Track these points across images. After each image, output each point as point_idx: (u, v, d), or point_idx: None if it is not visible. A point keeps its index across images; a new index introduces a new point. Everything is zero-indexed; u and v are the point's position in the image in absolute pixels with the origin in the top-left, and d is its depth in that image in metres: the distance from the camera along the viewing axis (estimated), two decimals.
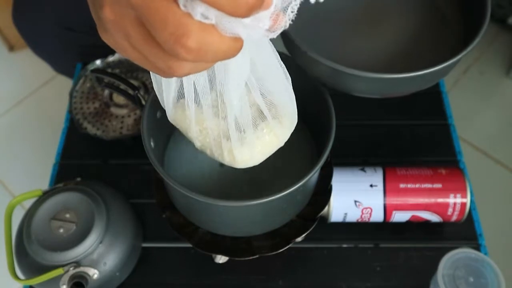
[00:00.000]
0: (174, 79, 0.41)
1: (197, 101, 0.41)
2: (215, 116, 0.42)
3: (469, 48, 0.48)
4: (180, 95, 0.42)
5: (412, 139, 0.75)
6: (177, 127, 0.47)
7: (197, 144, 0.46)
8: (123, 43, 0.30)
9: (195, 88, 0.40)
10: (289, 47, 0.54)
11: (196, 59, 0.27)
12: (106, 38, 0.31)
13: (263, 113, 0.42)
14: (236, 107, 0.40)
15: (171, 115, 0.46)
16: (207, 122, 0.43)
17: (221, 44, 0.27)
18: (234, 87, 0.38)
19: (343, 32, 0.58)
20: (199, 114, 0.43)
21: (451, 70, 0.52)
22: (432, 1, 0.60)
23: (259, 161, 0.46)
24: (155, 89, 0.44)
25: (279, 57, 0.40)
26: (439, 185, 0.62)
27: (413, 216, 0.63)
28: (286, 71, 0.41)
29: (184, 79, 0.39)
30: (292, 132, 0.47)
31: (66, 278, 0.56)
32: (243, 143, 0.43)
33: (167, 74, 0.30)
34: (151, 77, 0.43)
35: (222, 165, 0.60)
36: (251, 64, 0.38)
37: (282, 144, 0.46)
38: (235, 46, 0.28)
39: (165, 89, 0.42)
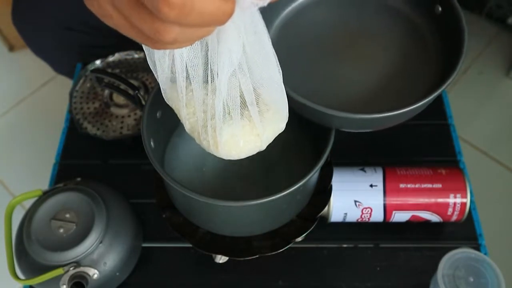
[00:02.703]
0: (167, 56, 0.39)
1: (188, 81, 0.40)
2: (204, 98, 0.41)
3: (448, 82, 0.47)
4: (175, 75, 0.41)
5: (412, 139, 0.75)
6: (171, 106, 0.46)
7: (187, 126, 0.44)
8: (108, 7, 0.29)
9: (186, 68, 0.38)
10: None
11: (180, 17, 0.26)
12: (90, 4, 0.30)
13: (251, 104, 0.41)
14: (225, 90, 0.38)
15: (167, 94, 0.44)
16: (196, 103, 0.41)
17: (207, 2, 0.26)
18: (226, 68, 0.37)
19: (323, 64, 0.56)
20: (190, 95, 0.42)
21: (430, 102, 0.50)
22: (416, 31, 0.57)
23: (243, 154, 0.44)
24: (150, 66, 0.42)
25: (273, 50, 0.38)
26: (439, 185, 0.62)
27: (413, 216, 0.63)
28: (279, 65, 0.40)
29: (177, 58, 0.38)
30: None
31: (66, 278, 0.56)
32: (227, 130, 0.42)
33: (155, 41, 0.29)
34: (146, 56, 0.41)
35: (222, 164, 0.60)
36: (244, 53, 0.37)
37: (265, 141, 0.45)
38: (224, 8, 0.27)
39: (159, 67, 0.41)
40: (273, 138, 0.45)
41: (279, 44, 0.56)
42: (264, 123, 0.43)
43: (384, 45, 0.57)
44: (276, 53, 0.39)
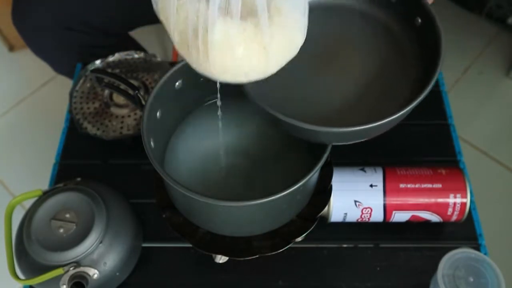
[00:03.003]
0: None
1: None
2: (199, 6, 0.33)
3: (427, 89, 0.47)
4: None
5: (412, 139, 0.75)
6: (161, 19, 0.38)
7: (175, 38, 0.36)
8: None
9: None
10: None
11: None
12: None
13: (259, 8, 0.31)
14: None
15: (157, 3, 0.37)
16: (190, 9, 0.33)
17: None
18: None
19: (303, 74, 0.54)
20: (183, 2, 0.34)
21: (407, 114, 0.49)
22: (395, 40, 0.57)
23: (241, 70, 0.34)
24: None
25: None
26: (439, 185, 0.62)
27: (413, 216, 0.63)
28: None
29: None
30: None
31: (66, 278, 0.56)
32: (221, 27, 0.32)
33: None
34: None
35: (222, 163, 0.60)
36: None
37: (273, 59, 0.34)
38: None
39: None
40: (284, 61, 0.34)
41: None
42: (273, 30, 0.33)
43: (364, 54, 0.57)
44: None
